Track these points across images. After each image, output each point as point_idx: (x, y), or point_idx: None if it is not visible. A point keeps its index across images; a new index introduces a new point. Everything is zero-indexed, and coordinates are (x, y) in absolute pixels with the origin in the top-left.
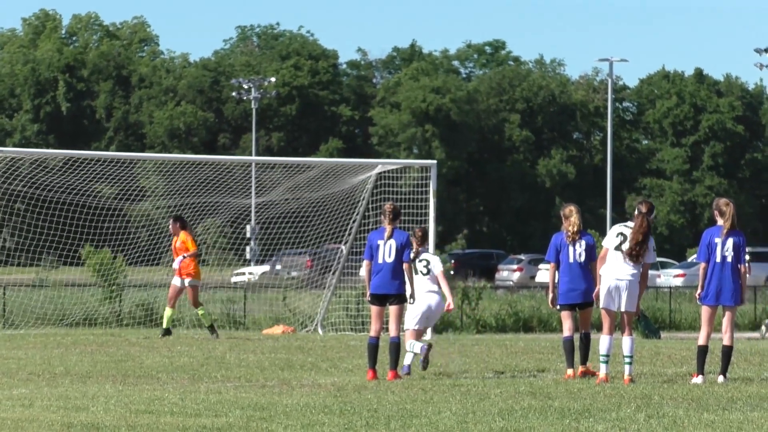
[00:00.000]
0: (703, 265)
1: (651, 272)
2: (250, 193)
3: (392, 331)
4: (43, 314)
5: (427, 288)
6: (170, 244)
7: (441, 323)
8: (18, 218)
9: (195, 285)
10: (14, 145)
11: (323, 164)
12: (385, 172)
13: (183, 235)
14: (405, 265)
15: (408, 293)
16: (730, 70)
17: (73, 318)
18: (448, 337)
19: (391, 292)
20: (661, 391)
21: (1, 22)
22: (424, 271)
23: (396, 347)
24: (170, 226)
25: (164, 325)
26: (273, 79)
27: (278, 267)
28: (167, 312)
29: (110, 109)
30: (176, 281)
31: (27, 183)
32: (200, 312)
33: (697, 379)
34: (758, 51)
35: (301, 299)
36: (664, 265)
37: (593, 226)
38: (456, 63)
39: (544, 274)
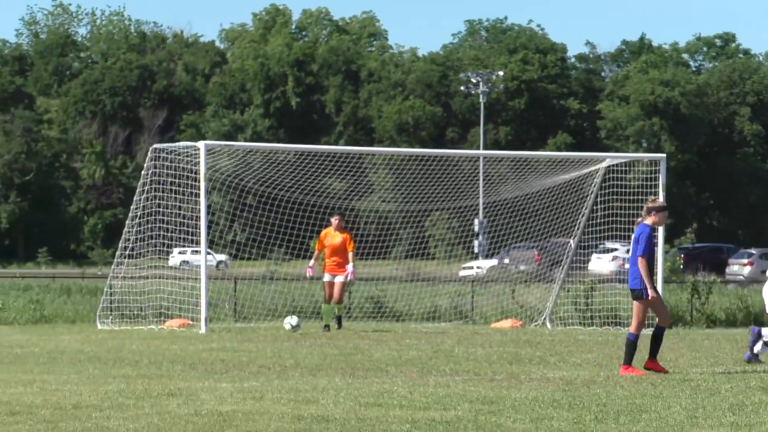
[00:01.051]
0: None
1: None
2: (478, 187)
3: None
4: (274, 307)
5: None
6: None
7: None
8: (249, 213)
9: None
10: (245, 140)
11: (551, 158)
12: (613, 165)
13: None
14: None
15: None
16: None
17: (303, 311)
18: (678, 331)
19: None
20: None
21: (233, 17)
22: None
23: (630, 343)
24: (339, 221)
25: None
26: (501, 73)
27: (506, 261)
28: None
29: (339, 104)
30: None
31: (258, 179)
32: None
33: None
34: None
35: (529, 293)
36: None
37: None
38: (685, 56)
39: None
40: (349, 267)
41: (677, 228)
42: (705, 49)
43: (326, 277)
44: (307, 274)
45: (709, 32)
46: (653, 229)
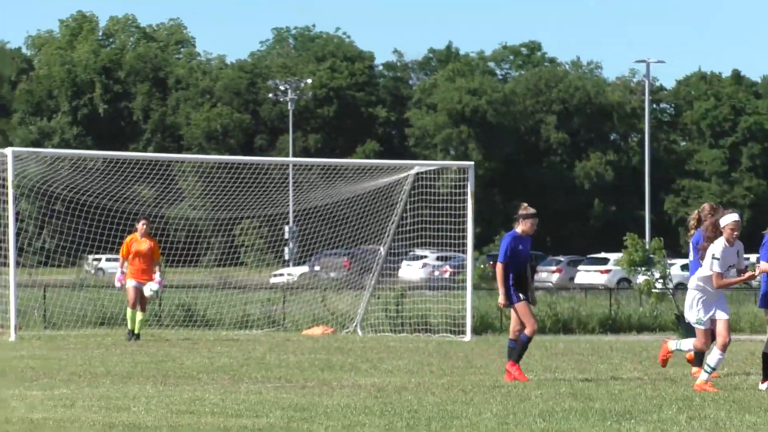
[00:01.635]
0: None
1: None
2: (288, 194)
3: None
4: (83, 315)
5: None
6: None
7: (480, 324)
8: (58, 220)
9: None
10: (53, 147)
11: (361, 165)
12: (422, 173)
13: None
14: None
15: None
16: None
17: (114, 319)
18: (488, 338)
19: None
20: (703, 393)
21: (39, 23)
22: None
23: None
24: (146, 227)
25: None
26: (309, 81)
27: (317, 268)
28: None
29: (147, 111)
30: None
31: (67, 185)
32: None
33: (763, 386)
34: None
35: (340, 300)
36: None
37: (631, 228)
38: (492, 64)
39: (583, 275)
40: (157, 276)
41: (486, 235)
42: (511, 57)
43: (132, 283)
44: (117, 284)
45: (515, 41)
46: (520, 237)
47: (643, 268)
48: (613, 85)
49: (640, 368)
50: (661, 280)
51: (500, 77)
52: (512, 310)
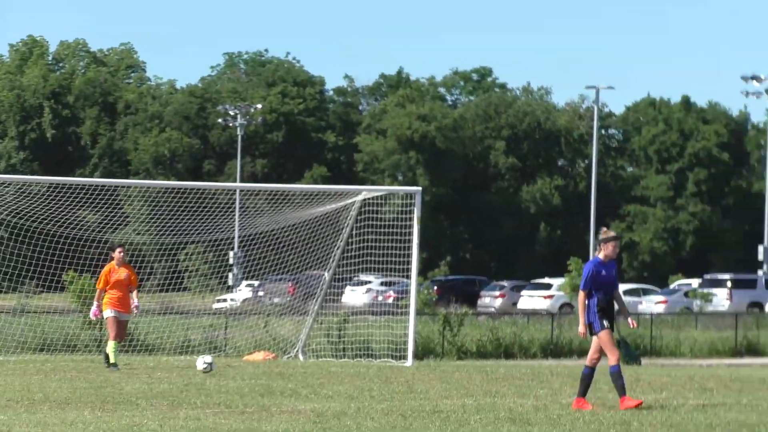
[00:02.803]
0: None
1: (633, 299)
2: (234, 219)
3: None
4: (23, 341)
5: None
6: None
7: (422, 349)
8: (0, 246)
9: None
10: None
11: (307, 191)
12: (369, 198)
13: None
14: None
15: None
16: (715, 98)
17: (54, 345)
18: (430, 363)
19: None
20: (641, 418)
21: None
22: None
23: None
24: (122, 255)
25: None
26: (259, 106)
27: (261, 293)
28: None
29: (95, 136)
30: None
31: (11, 211)
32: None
33: None
34: (744, 78)
35: (282, 325)
36: (646, 292)
37: (577, 253)
38: (442, 90)
39: (527, 300)
40: (135, 301)
41: (431, 261)
42: (462, 83)
43: (112, 313)
44: (92, 317)
45: (466, 66)
46: (602, 263)
47: None
48: (563, 111)
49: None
50: None
51: (450, 103)
52: (593, 338)
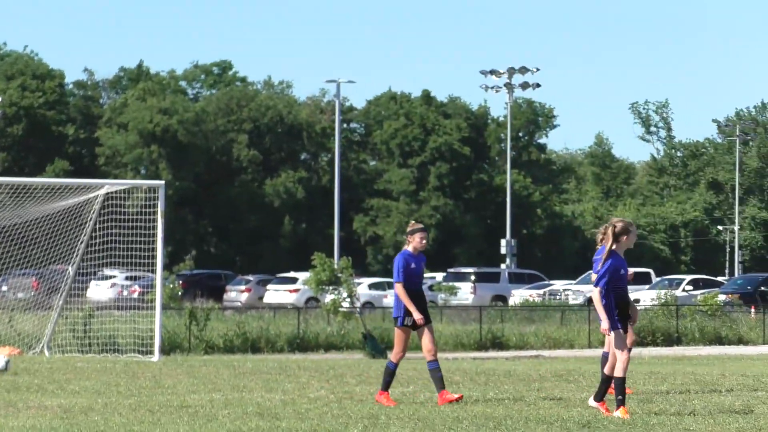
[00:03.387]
0: None
1: (377, 292)
2: None
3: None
4: None
5: None
6: None
7: (169, 344)
8: None
9: None
10: None
11: (50, 185)
12: (112, 192)
13: None
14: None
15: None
16: (456, 92)
17: None
18: (176, 358)
19: None
20: (388, 412)
21: None
22: None
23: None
24: None
25: None
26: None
27: (4, 288)
28: None
29: None
30: None
31: None
32: None
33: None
34: (483, 73)
35: (27, 321)
36: (391, 286)
37: (321, 247)
38: (183, 83)
39: (273, 294)
40: None
41: (176, 255)
42: (203, 76)
43: None
44: None
45: (206, 60)
46: (409, 254)
47: (331, 287)
48: (304, 105)
49: (327, 387)
50: (349, 299)
51: (192, 96)
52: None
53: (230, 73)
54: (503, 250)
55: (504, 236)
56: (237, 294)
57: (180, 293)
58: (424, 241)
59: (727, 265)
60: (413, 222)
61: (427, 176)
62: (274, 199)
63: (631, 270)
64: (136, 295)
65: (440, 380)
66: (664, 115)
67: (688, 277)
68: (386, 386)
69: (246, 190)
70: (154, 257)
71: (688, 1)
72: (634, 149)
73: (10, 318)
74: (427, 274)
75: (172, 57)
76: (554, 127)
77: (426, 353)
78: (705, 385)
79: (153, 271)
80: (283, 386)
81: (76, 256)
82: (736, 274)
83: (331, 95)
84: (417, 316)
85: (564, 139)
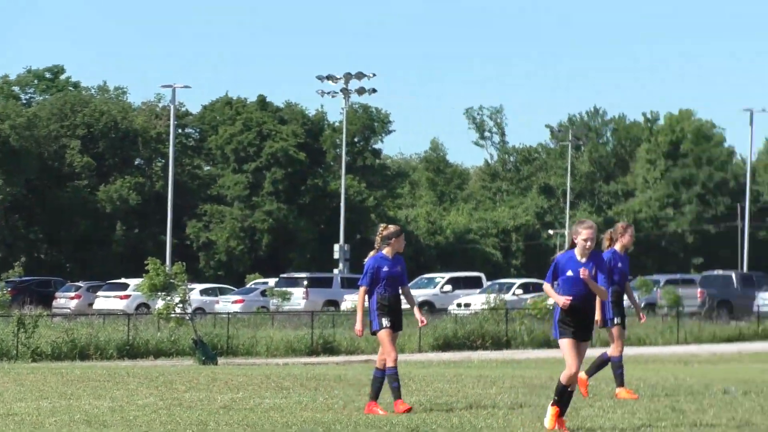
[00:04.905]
0: None
1: (209, 298)
2: None
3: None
4: None
5: None
6: None
7: None
8: None
9: None
10: None
11: None
12: None
13: None
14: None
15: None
16: (293, 97)
17: None
18: (3, 365)
19: None
20: (217, 418)
21: None
22: None
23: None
24: None
25: None
26: None
27: None
28: None
29: None
30: None
31: None
32: None
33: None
34: (320, 78)
35: None
36: (222, 291)
37: (154, 252)
38: (16, 88)
39: (103, 301)
40: None
41: (5, 261)
42: (35, 81)
43: None
44: None
45: (39, 65)
46: (382, 257)
47: (164, 293)
48: (139, 110)
49: (156, 393)
50: (181, 305)
51: (24, 101)
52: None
53: (63, 77)
54: (336, 255)
55: (337, 241)
56: (66, 300)
57: (8, 300)
58: (402, 242)
59: None
60: (385, 225)
61: (262, 181)
62: (107, 205)
63: (462, 274)
64: None
65: (378, 391)
66: (498, 120)
67: (519, 281)
68: (398, 393)
69: (78, 196)
70: None
71: (520, 6)
72: (469, 154)
73: None
74: (259, 280)
75: (4, 62)
76: (390, 132)
77: (379, 361)
78: (533, 389)
79: None
80: (111, 393)
81: None
82: None
83: (167, 100)
84: (357, 327)
85: (399, 145)
